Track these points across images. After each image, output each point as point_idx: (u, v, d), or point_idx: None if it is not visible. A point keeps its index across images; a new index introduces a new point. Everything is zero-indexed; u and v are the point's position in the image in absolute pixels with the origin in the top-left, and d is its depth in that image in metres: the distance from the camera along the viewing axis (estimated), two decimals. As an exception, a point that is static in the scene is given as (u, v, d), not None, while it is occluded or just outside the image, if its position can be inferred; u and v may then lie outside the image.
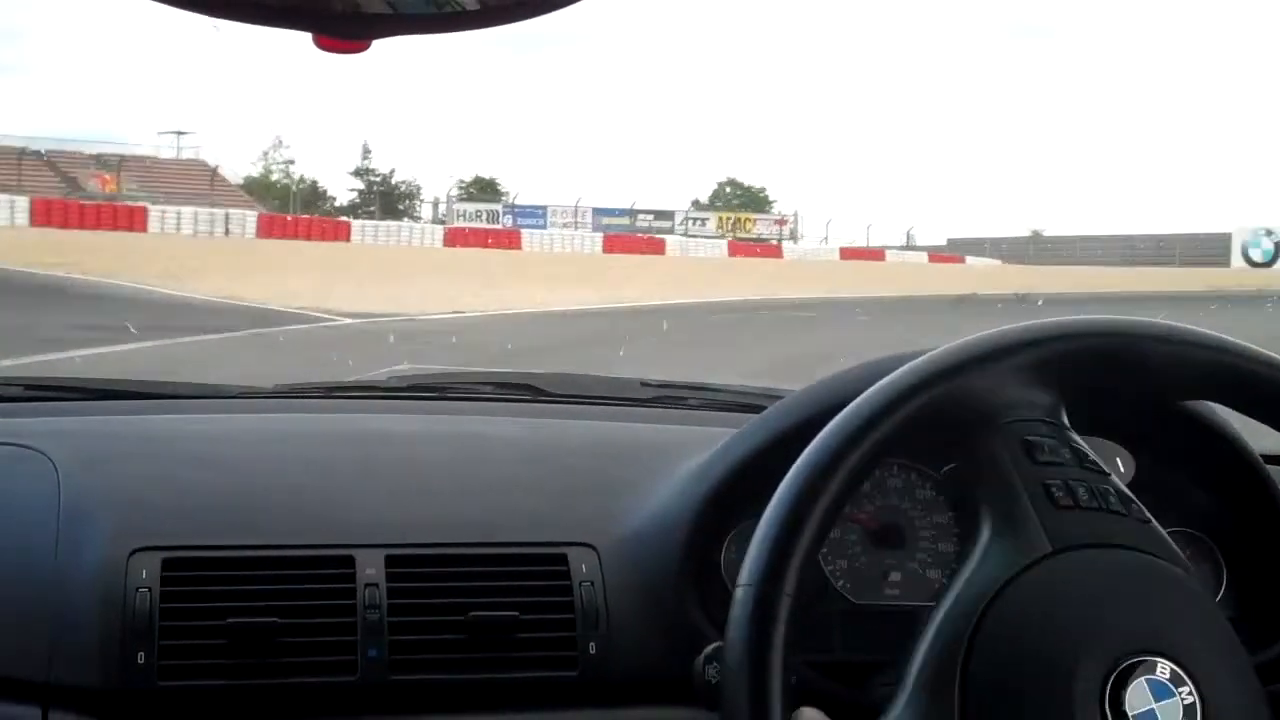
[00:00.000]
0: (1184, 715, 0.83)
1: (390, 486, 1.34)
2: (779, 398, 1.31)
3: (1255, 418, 0.97)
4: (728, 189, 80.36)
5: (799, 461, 0.89)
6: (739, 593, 0.87)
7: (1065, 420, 0.95)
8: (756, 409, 1.36)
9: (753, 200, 73.86)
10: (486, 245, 40.90)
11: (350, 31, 0.70)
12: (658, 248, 47.77)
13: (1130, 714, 0.83)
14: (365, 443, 1.43)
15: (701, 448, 1.31)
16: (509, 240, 43.11)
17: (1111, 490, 0.91)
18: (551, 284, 19.97)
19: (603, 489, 1.35)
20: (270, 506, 1.29)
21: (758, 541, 0.88)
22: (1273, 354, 0.95)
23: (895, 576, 1.26)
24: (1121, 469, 1.09)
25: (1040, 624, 0.85)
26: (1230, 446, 1.18)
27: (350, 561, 1.23)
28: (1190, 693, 0.83)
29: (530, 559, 1.27)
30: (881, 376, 0.93)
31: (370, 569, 1.23)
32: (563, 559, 1.27)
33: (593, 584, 1.26)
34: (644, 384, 1.71)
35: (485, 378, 1.74)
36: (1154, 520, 0.91)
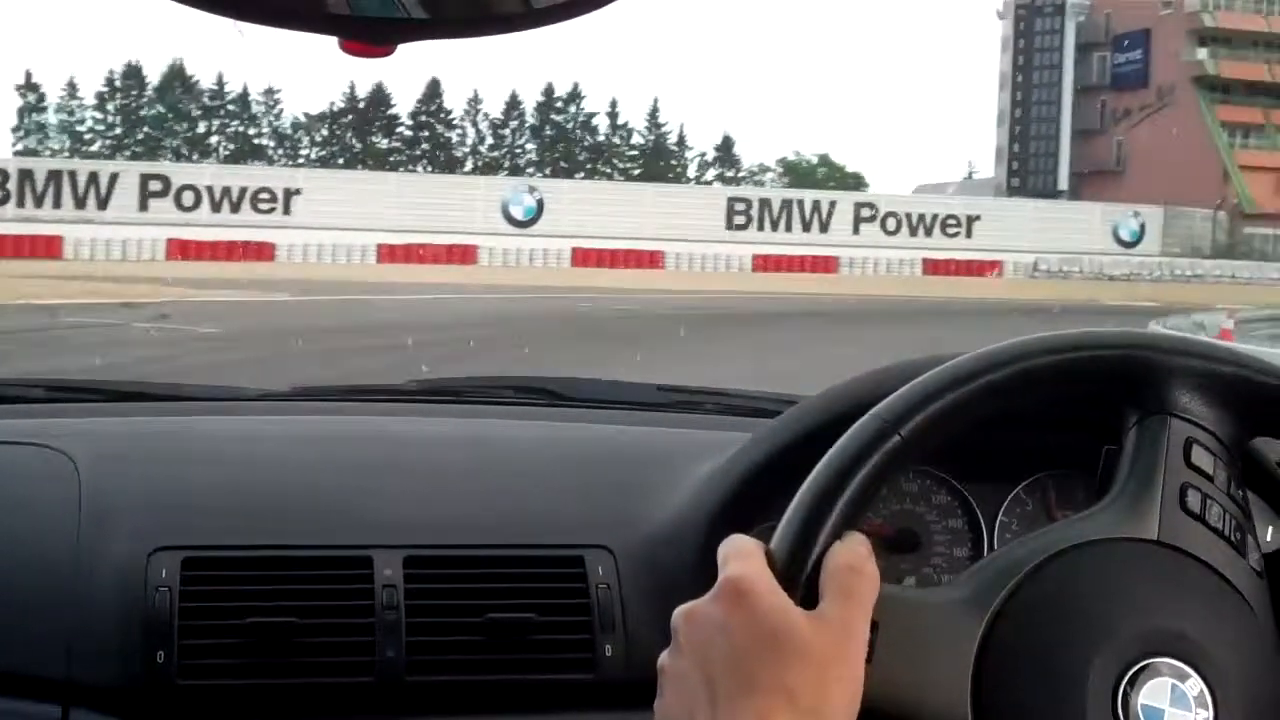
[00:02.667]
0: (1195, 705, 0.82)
1: (408, 488, 1.35)
2: (793, 403, 1.32)
3: None
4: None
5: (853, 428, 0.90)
6: (805, 483, 0.89)
7: (1238, 456, 0.93)
8: (771, 414, 1.37)
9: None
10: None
11: (374, 36, 0.71)
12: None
13: (1141, 705, 0.84)
14: (383, 445, 1.44)
15: (717, 452, 1.32)
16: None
17: (1242, 529, 0.90)
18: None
19: (619, 492, 1.36)
20: (289, 507, 1.31)
21: (787, 521, 0.88)
22: None
23: (910, 581, 1.27)
24: (1269, 536, 1.08)
25: (1103, 590, 0.85)
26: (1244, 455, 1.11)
27: (368, 562, 1.24)
28: (1208, 718, 0.84)
29: (547, 561, 1.28)
30: (900, 380, 0.93)
31: (388, 570, 1.24)
32: (579, 561, 1.28)
33: (609, 587, 1.27)
34: (660, 389, 1.73)
35: (503, 381, 1.76)
36: (1261, 570, 0.90)
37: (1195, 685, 0.83)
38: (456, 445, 1.46)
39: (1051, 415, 1.14)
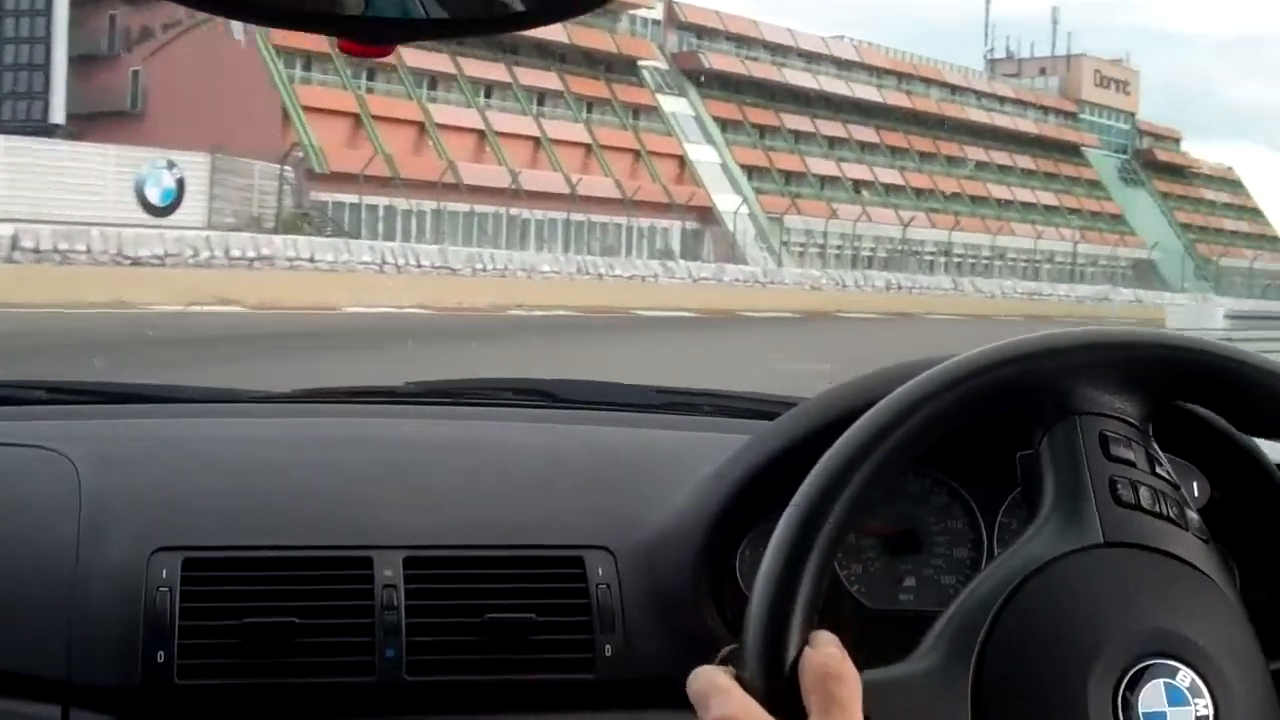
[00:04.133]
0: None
1: (408, 489, 1.36)
2: (793, 404, 1.34)
3: None
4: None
5: (847, 433, 0.91)
6: (755, 593, 0.89)
7: (1150, 431, 0.95)
8: (770, 416, 1.39)
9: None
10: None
11: (373, 36, 0.72)
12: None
13: (1142, 714, 0.84)
14: (383, 446, 1.45)
15: (716, 453, 1.33)
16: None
17: (1178, 502, 0.92)
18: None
19: (619, 493, 1.37)
20: (289, 508, 1.31)
21: (781, 531, 0.89)
22: None
23: (910, 582, 1.29)
24: (1196, 493, 1.11)
25: (1071, 608, 0.86)
26: (1241, 451, 1.21)
27: (368, 563, 1.25)
28: (1206, 705, 0.84)
29: (547, 562, 1.28)
30: (898, 382, 0.94)
31: (388, 570, 1.25)
32: (579, 562, 1.29)
33: (609, 587, 1.28)
34: (659, 390, 1.75)
35: (501, 383, 1.78)
36: (1212, 540, 0.92)
37: (1186, 677, 0.83)
38: (456, 447, 1.47)
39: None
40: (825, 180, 60.88)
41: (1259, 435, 1.06)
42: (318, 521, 1.29)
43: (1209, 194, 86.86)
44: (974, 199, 67.79)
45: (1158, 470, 0.93)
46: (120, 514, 1.26)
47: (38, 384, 1.56)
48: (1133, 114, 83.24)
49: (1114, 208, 76.43)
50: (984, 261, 63.98)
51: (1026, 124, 72.96)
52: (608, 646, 1.26)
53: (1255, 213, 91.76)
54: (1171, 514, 0.91)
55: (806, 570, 0.87)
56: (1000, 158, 73.67)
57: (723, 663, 0.96)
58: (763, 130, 58.10)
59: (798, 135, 60.88)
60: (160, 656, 1.18)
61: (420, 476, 1.39)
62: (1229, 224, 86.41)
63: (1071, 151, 76.98)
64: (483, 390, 1.75)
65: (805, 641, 0.83)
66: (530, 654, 1.24)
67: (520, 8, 0.73)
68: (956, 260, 60.35)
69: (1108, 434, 0.93)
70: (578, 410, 1.66)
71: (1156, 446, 0.95)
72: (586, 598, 1.27)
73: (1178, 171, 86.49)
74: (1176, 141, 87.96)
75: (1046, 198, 72.77)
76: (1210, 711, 0.83)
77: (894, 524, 1.28)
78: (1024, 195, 71.16)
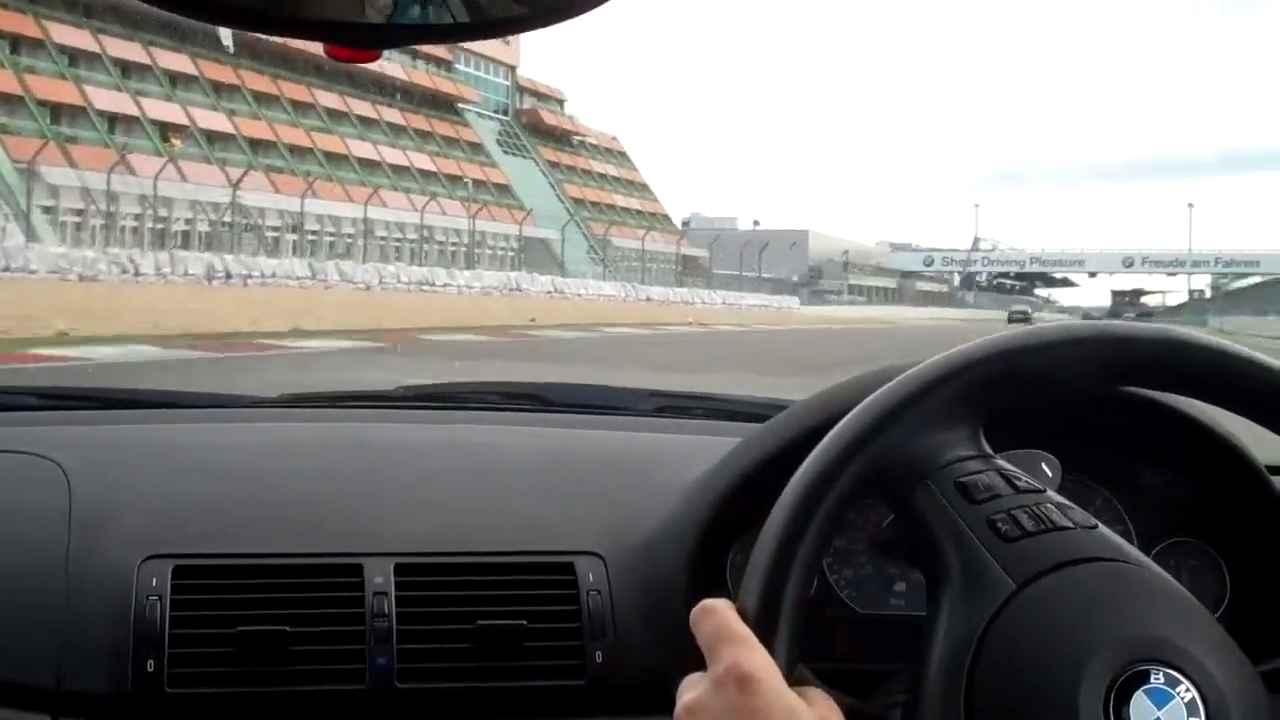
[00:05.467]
0: (1187, 712, 0.86)
1: (399, 496, 1.45)
2: (784, 407, 1.40)
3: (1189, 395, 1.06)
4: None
5: (779, 502, 0.96)
6: (740, 603, 0.93)
7: (985, 445, 1.00)
8: (761, 419, 1.45)
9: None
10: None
11: (361, 41, 0.75)
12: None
13: None
14: (374, 452, 1.54)
15: (708, 458, 1.41)
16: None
17: (1051, 505, 0.96)
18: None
19: (610, 499, 1.47)
20: (280, 515, 1.40)
21: (757, 553, 0.94)
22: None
23: (900, 586, 1.33)
24: (1049, 474, 1.14)
25: (1029, 660, 0.88)
26: (1232, 456, 1.26)
27: (359, 570, 1.33)
28: (1188, 689, 0.86)
29: (538, 568, 1.37)
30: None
31: (379, 577, 1.32)
32: (570, 568, 1.37)
33: (600, 593, 1.35)
34: (651, 394, 1.83)
35: (493, 388, 1.84)
36: (1099, 524, 0.97)
37: (1159, 675, 0.86)
38: (447, 452, 1.56)
39: (1039, 420, 1.24)
40: (116, 120, 39.73)
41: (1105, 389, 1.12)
42: (308, 528, 1.38)
43: (597, 166, 74.05)
44: (330, 157, 49.12)
45: (1019, 488, 0.97)
46: (111, 521, 1.35)
47: (28, 390, 1.58)
48: (513, 67, 68.67)
49: (500, 176, 61.04)
50: (346, 240, 53.44)
51: (393, 68, 55.81)
52: (599, 652, 1.33)
53: (644, 189, 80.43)
54: (1054, 523, 0.94)
55: (787, 592, 0.91)
56: (362, 108, 55.13)
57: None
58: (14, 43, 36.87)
59: (73, 56, 39.76)
60: (150, 665, 1.26)
61: (411, 482, 1.49)
62: (620, 199, 74.03)
63: (448, 107, 60.53)
64: (474, 394, 1.81)
65: (793, 656, 0.89)
66: (521, 660, 1.32)
67: (508, 12, 0.77)
68: (310, 238, 42.99)
69: (962, 481, 0.96)
70: (569, 414, 1.75)
71: (1001, 461, 1.00)
72: (577, 604, 1.35)
73: (564, 139, 73.03)
74: (560, 103, 74.42)
75: (421, 161, 56.44)
76: (1194, 693, 0.86)
77: (886, 530, 1.34)
78: (394, 157, 53.97)
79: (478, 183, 66.64)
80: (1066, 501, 0.97)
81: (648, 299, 55.09)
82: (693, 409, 1.79)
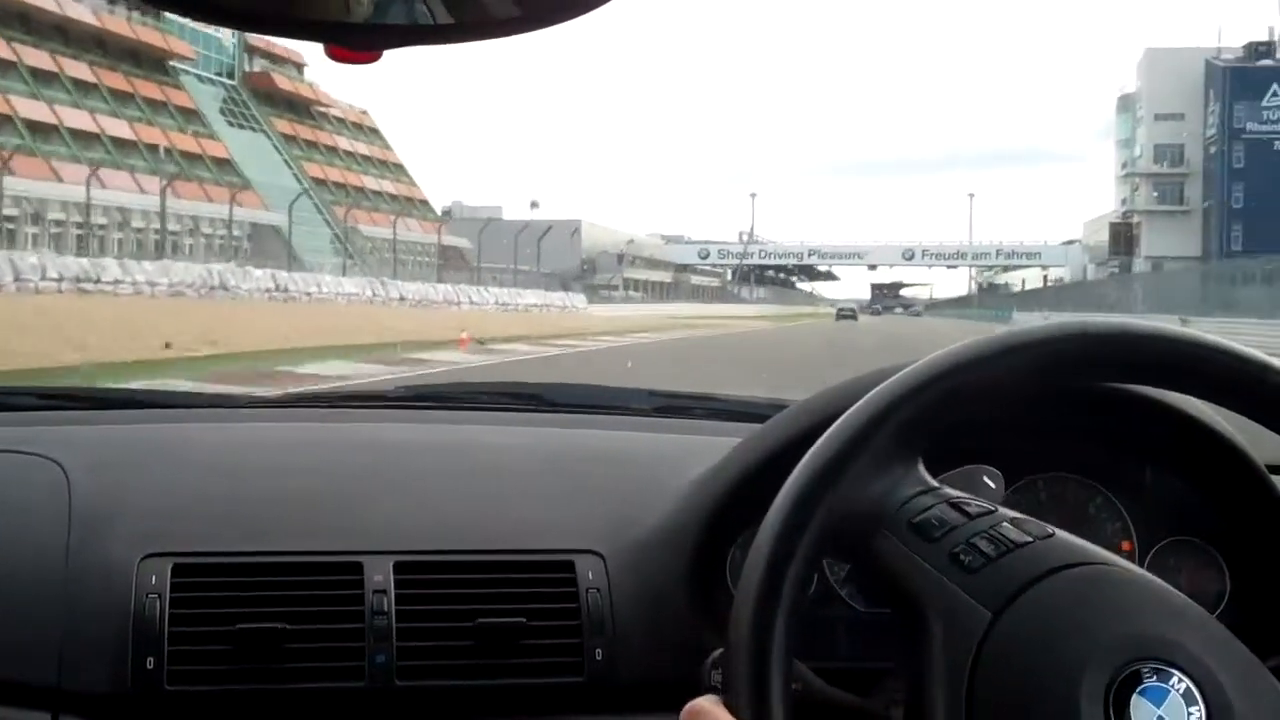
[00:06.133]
0: (1186, 703, 0.87)
1: (398, 494, 1.50)
2: (784, 407, 1.47)
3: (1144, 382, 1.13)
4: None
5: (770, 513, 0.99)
6: (737, 602, 0.96)
7: (928, 476, 1.03)
8: (761, 418, 1.52)
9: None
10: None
11: (362, 42, 0.75)
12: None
13: None
14: (373, 451, 1.59)
15: (707, 457, 1.47)
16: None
17: (1006, 523, 0.98)
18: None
19: (609, 497, 1.51)
20: (279, 513, 1.45)
21: (754, 554, 0.96)
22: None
23: None
24: (993, 486, 1.12)
25: (1022, 684, 0.89)
26: (1231, 455, 1.30)
27: (358, 568, 1.37)
28: (1180, 679, 0.87)
29: (537, 566, 1.42)
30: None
31: (378, 575, 1.36)
32: (570, 566, 1.41)
33: (599, 591, 1.39)
34: (650, 394, 1.87)
35: (492, 387, 1.86)
36: (1055, 530, 0.99)
37: (1150, 673, 0.86)
38: (446, 451, 1.61)
39: (1038, 420, 1.29)
40: None
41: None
42: (307, 526, 1.43)
43: (344, 142, 62.86)
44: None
45: (968, 510, 0.99)
46: (110, 520, 1.39)
47: (28, 390, 1.61)
48: (238, 22, 56.79)
49: (220, 149, 49.22)
50: (8, 227, 41.66)
51: (81, 11, 43.40)
52: (598, 650, 1.37)
53: (399, 170, 69.60)
54: (1012, 542, 0.96)
55: (782, 601, 0.92)
56: (36, 58, 50.85)
57: (713, 666, 1.07)
58: None
59: None
60: (150, 662, 1.30)
61: (410, 481, 1.53)
62: (370, 181, 63.11)
63: (155, 65, 48.40)
64: (473, 393, 1.83)
65: (788, 665, 0.92)
66: (520, 658, 1.37)
67: (507, 13, 0.77)
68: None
69: (916, 521, 0.98)
70: (569, 414, 1.78)
71: (947, 489, 1.02)
72: (576, 602, 1.39)
73: (302, 109, 61.59)
74: (299, 68, 62.88)
75: (116, 127, 53.48)
76: (1188, 682, 0.87)
77: None
78: (78, 120, 41.70)
79: (189, 155, 56.70)
80: (1019, 515, 1.00)
81: (400, 298, 45.83)
82: (692, 408, 1.84)
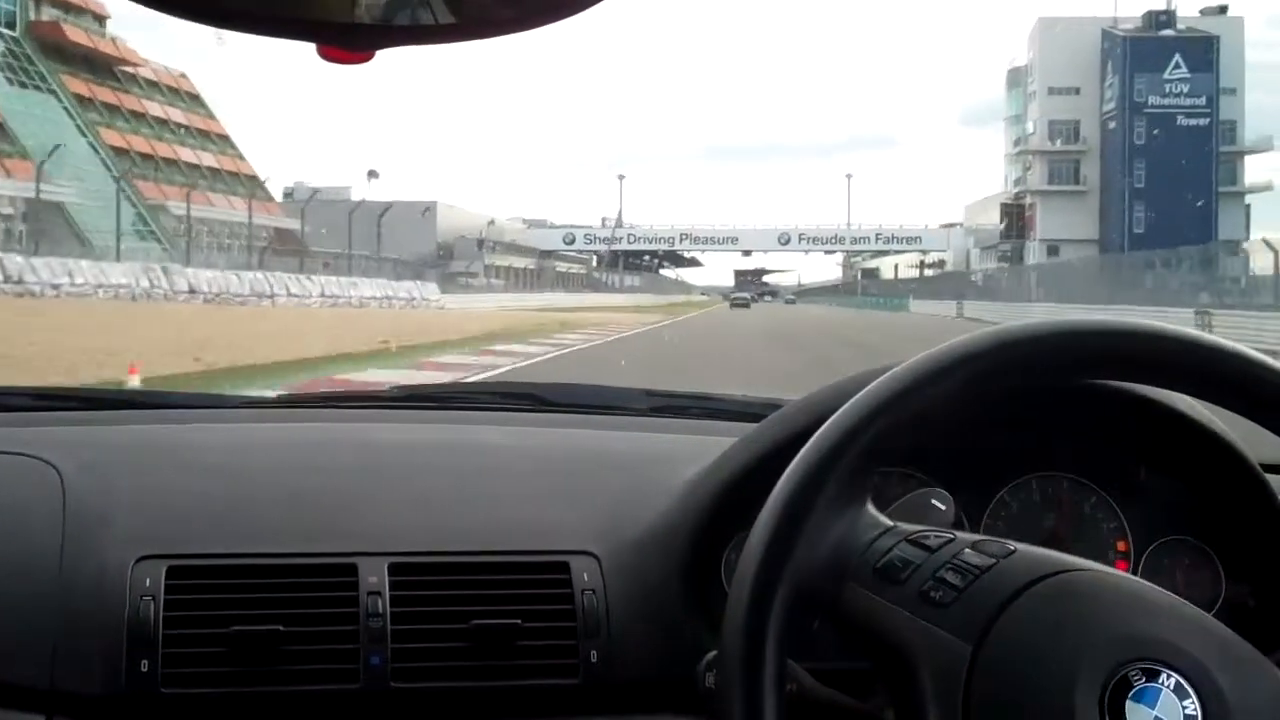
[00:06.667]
0: (1179, 697, 0.88)
1: (393, 495, 1.49)
2: (779, 406, 1.47)
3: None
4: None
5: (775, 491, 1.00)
6: (731, 603, 0.98)
7: (879, 514, 1.04)
8: (757, 418, 1.50)
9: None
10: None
11: (354, 43, 0.75)
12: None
13: None
14: (368, 452, 1.58)
15: (702, 457, 1.47)
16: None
17: (967, 549, 0.99)
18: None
19: (605, 498, 1.51)
20: (274, 515, 1.45)
21: (747, 554, 0.98)
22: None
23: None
24: (943, 508, 1.13)
25: (1018, 708, 0.89)
26: (1226, 454, 1.31)
27: (353, 569, 1.37)
28: (1169, 675, 0.88)
29: (532, 567, 1.42)
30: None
31: (373, 577, 1.36)
32: (565, 567, 1.41)
33: (594, 592, 1.39)
34: (646, 394, 1.86)
35: (488, 387, 1.99)
36: (1016, 546, 1.00)
37: (1138, 675, 0.87)
38: (441, 451, 1.60)
39: (1033, 419, 1.32)
40: None
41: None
42: (302, 528, 1.42)
43: (155, 108, 53.29)
44: None
45: (928, 544, 1.00)
46: (105, 522, 1.39)
47: (22, 390, 1.59)
48: (22, -39, 48.17)
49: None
50: None
51: None
52: (593, 652, 1.37)
53: (224, 141, 60.23)
54: (976, 568, 0.96)
55: (774, 604, 0.93)
56: None
57: (708, 668, 1.08)
58: None
59: None
60: (144, 665, 1.30)
61: (405, 481, 1.52)
62: (188, 154, 53.68)
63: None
64: (469, 394, 1.84)
65: (781, 668, 0.93)
66: (516, 659, 1.36)
67: (501, 13, 0.78)
68: None
69: (879, 566, 0.99)
70: (565, 414, 1.78)
71: (902, 525, 1.03)
72: (572, 603, 1.39)
73: (102, 67, 51.84)
74: (100, 20, 53.00)
75: None
76: (1176, 678, 0.87)
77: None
78: None
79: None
80: (978, 536, 1.01)
81: (189, 290, 37.42)
82: (688, 408, 1.84)
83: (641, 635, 1.35)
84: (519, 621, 1.34)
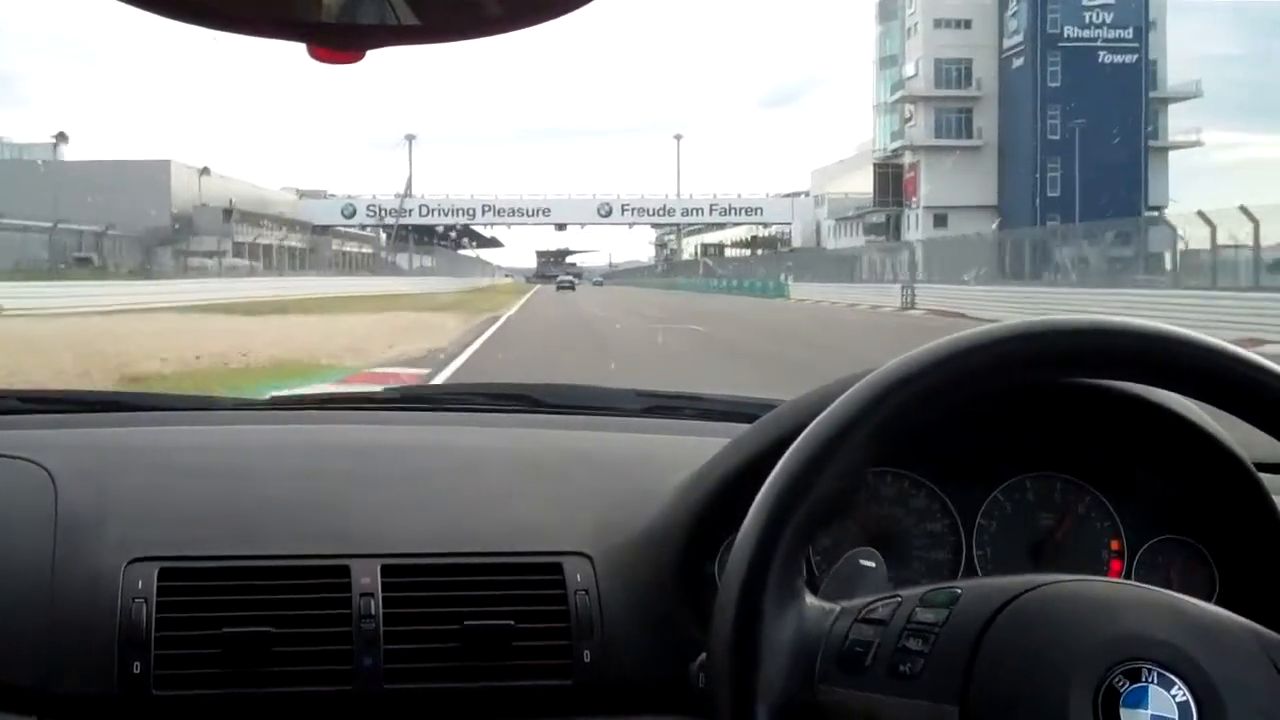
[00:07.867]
0: (1167, 687, 0.89)
1: (385, 497, 1.50)
2: (773, 406, 1.48)
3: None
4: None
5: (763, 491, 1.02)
6: (719, 601, 0.99)
7: (821, 600, 1.03)
8: (750, 418, 1.54)
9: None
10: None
11: (344, 43, 0.76)
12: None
13: None
14: (361, 453, 1.59)
15: (695, 458, 1.48)
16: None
17: (916, 607, 0.99)
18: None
19: (597, 499, 1.53)
20: (266, 517, 1.45)
21: (736, 551, 0.99)
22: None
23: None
24: (874, 565, 1.12)
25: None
26: (1220, 453, 1.32)
27: (346, 571, 1.38)
28: (1149, 669, 0.88)
29: (525, 568, 1.43)
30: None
31: (365, 579, 1.37)
32: (558, 568, 1.43)
33: (587, 593, 1.40)
34: (638, 394, 1.87)
35: (480, 389, 1.84)
36: (959, 585, 1.01)
37: (1121, 680, 0.88)
38: (434, 453, 1.61)
39: (1026, 419, 1.33)
40: None
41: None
42: (294, 530, 1.43)
43: None
44: None
45: (878, 616, 0.99)
46: (96, 524, 1.39)
47: (12, 393, 1.60)
48: None
49: None
50: None
51: None
52: (586, 652, 1.38)
53: None
54: (938, 628, 0.96)
55: (765, 601, 0.94)
56: None
57: (701, 668, 1.07)
58: None
59: None
60: (136, 667, 1.31)
61: (398, 483, 1.53)
62: None
63: None
64: (462, 396, 1.83)
65: (770, 672, 0.94)
66: (508, 660, 1.37)
67: (489, 13, 0.78)
68: None
69: (842, 655, 0.98)
70: (558, 415, 1.79)
71: (837, 602, 1.03)
72: (565, 604, 1.40)
73: None
74: None
75: None
76: (1157, 670, 0.89)
77: (871, 527, 1.42)
78: None
79: None
80: (918, 589, 1.01)
81: None
82: (681, 409, 1.85)
83: (635, 636, 1.35)
84: (512, 623, 1.34)
